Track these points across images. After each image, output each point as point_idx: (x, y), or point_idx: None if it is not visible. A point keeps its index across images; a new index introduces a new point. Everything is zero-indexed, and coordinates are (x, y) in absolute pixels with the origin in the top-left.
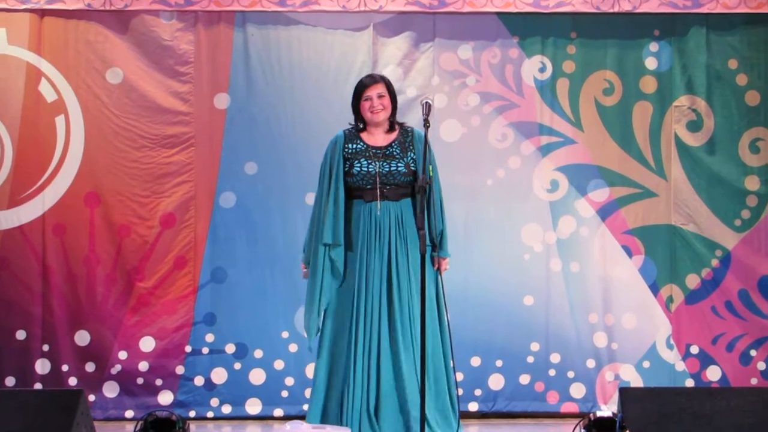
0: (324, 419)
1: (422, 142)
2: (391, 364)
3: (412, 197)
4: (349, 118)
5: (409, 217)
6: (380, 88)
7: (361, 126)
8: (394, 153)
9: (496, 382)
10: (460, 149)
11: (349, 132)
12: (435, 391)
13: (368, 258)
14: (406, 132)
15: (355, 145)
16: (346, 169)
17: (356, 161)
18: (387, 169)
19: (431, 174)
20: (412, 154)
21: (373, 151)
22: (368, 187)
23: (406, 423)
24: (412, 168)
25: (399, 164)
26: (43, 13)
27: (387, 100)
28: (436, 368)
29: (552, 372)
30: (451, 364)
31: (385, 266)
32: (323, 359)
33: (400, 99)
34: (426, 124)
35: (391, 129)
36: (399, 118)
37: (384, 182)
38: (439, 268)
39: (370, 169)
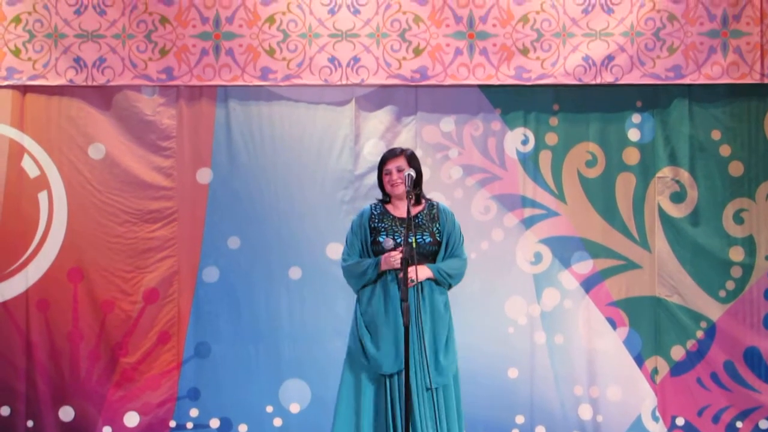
0: None
1: (448, 216)
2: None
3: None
4: (331, 192)
5: (431, 285)
6: (400, 161)
7: (387, 199)
8: (422, 224)
9: None
10: None
11: (375, 205)
12: None
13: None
14: (432, 205)
15: (381, 216)
16: (372, 239)
17: (383, 232)
18: (412, 239)
19: (414, 246)
20: (438, 225)
21: (398, 221)
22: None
23: None
24: (438, 239)
25: (425, 235)
26: (25, 89)
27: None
28: None
29: None
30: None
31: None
32: (344, 420)
33: None
34: (409, 196)
35: (417, 202)
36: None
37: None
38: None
39: (398, 239)
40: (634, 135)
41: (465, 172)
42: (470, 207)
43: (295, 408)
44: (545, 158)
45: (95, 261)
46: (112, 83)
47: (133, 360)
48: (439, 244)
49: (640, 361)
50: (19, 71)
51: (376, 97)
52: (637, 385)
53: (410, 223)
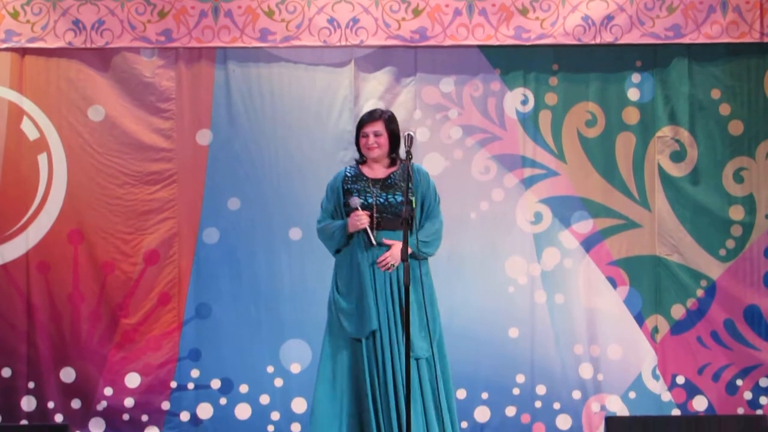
0: None
1: (422, 176)
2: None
3: (410, 230)
4: (332, 153)
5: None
6: (378, 126)
7: (363, 160)
8: (393, 183)
9: (482, 414)
10: (443, 183)
11: (350, 168)
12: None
13: (371, 288)
14: (406, 167)
15: (354, 178)
16: (345, 201)
17: (355, 193)
18: (384, 199)
19: (414, 206)
20: (410, 185)
21: (372, 182)
22: None
23: None
24: (410, 197)
25: (396, 194)
26: (24, 51)
27: (383, 139)
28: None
29: (538, 404)
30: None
31: (388, 298)
32: (323, 383)
33: None
34: (408, 156)
35: (392, 164)
36: None
37: (381, 212)
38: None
39: (368, 199)
40: (633, 94)
41: (465, 132)
42: (470, 167)
43: (295, 368)
44: (545, 118)
45: (95, 223)
46: (111, 45)
47: (134, 321)
48: (412, 203)
49: (640, 320)
50: (18, 34)
51: (376, 58)
52: (638, 344)
53: (408, 181)
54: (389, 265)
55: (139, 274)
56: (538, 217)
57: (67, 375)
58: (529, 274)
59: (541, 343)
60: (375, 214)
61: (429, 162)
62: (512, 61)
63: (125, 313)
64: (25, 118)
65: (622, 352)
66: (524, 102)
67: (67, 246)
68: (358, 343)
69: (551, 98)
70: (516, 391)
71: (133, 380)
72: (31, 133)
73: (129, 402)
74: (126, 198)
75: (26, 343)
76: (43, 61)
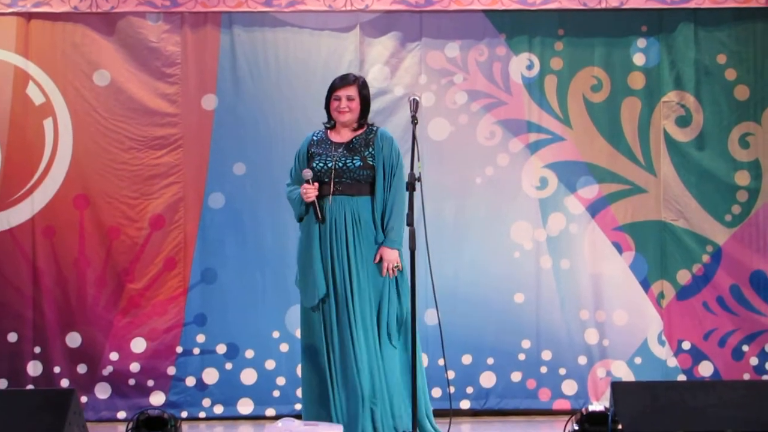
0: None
1: (385, 141)
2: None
3: (372, 195)
4: None
5: (366, 216)
6: (351, 91)
7: (332, 124)
8: (353, 148)
9: (487, 379)
10: (448, 148)
11: (317, 132)
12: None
13: (330, 256)
14: (371, 130)
15: (319, 142)
16: (311, 165)
17: (317, 157)
18: (343, 163)
19: (420, 170)
20: (371, 149)
21: (335, 146)
22: (325, 180)
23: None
24: (370, 163)
25: (355, 158)
26: (29, 16)
27: (356, 104)
28: (389, 381)
29: (543, 369)
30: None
31: (345, 266)
32: (303, 357)
33: (387, 98)
34: (414, 120)
35: (359, 128)
36: (386, 116)
37: (339, 176)
38: (388, 266)
39: (328, 163)
40: (639, 59)
41: (470, 97)
42: (475, 132)
43: None
44: (550, 83)
45: (101, 188)
46: (116, 10)
47: (140, 286)
48: (373, 168)
49: (646, 285)
50: None
51: (381, 23)
52: (644, 310)
53: (414, 146)
54: (392, 268)
55: (145, 239)
56: (543, 183)
57: (73, 340)
58: (535, 239)
59: (547, 309)
60: (334, 179)
61: (434, 127)
62: (517, 26)
63: (131, 278)
64: (30, 82)
65: (627, 317)
66: (530, 67)
67: (73, 211)
68: (318, 306)
69: (557, 63)
70: (521, 357)
71: (138, 345)
72: (37, 98)
73: (135, 367)
74: (131, 163)
75: (32, 308)
76: (49, 25)
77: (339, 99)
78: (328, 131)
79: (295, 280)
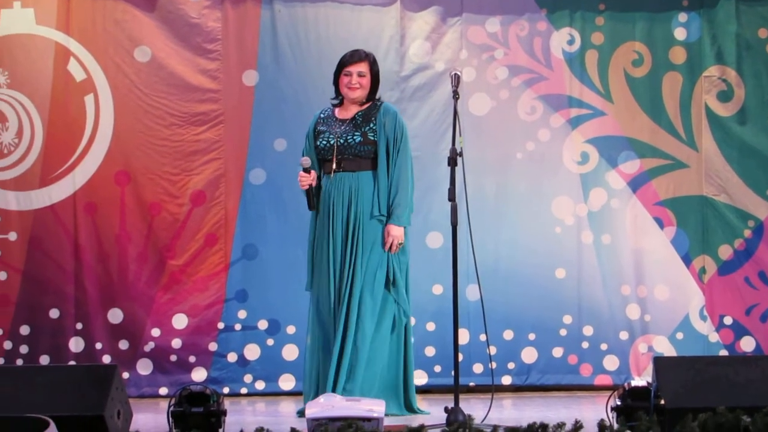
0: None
1: (388, 115)
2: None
3: (374, 170)
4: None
5: (367, 191)
6: (362, 67)
7: (339, 101)
8: (355, 123)
9: (529, 355)
10: (489, 123)
11: (325, 109)
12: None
13: (329, 232)
14: (375, 105)
15: (325, 119)
16: (316, 143)
17: (321, 134)
18: (344, 140)
19: (462, 145)
20: (372, 125)
21: (339, 122)
22: (328, 158)
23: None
24: (371, 138)
25: (356, 134)
26: None
27: (366, 80)
28: (374, 352)
29: (585, 345)
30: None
31: (342, 243)
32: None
33: (428, 73)
34: (455, 95)
35: (364, 104)
36: (427, 91)
37: (341, 153)
38: (392, 242)
39: (330, 140)
40: (680, 34)
41: (511, 72)
42: (516, 107)
43: None
44: (591, 58)
45: (142, 164)
46: None
47: (181, 262)
48: (374, 143)
49: (687, 260)
50: None
51: None
52: (685, 285)
53: (456, 121)
54: (396, 245)
55: (186, 215)
56: (584, 158)
57: (115, 316)
58: (576, 214)
59: (588, 284)
60: (336, 156)
61: (475, 102)
62: (559, 1)
63: (172, 254)
64: (71, 59)
65: (669, 292)
66: (570, 42)
67: (114, 187)
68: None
69: (597, 38)
70: (563, 332)
71: (180, 321)
72: (78, 74)
73: (176, 343)
74: (172, 139)
75: (74, 284)
76: (90, 2)
77: (350, 75)
78: (335, 108)
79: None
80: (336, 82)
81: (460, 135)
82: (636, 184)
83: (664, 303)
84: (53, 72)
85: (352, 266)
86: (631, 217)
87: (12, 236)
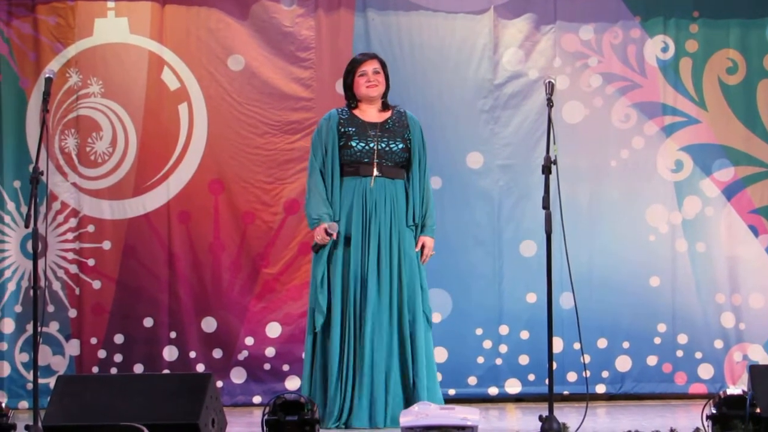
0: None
1: (416, 125)
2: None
3: (406, 179)
4: (471, 102)
5: (401, 199)
6: (375, 64)
7: (354, 104)
8: (392, 130)
9: (623, 363)
10: (583, 131)
11: (341, 110)
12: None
13: (362, 234)
14: (400, 113)
15: (349, 121)
16: (341, 144)
17: (354, 136)
18: (385, 145)
19: (556, 153)
20: (407, 134)
21: (369, 126)
22: (365, 161)
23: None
24: (409, 146)
25: (397, 140)
26: (164, 1)
27: (382, 77)
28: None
29: (679, 353)
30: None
31: (375, 245)
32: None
33: (521, 81)
34: (549, 103)
35: (385, 108)
36: (521, 99)
37: (381, 157)
38: (422, 251)
39: (369, 143)
40: None
41: (604, 80)
42: (610, 115)
43: (436, 317)
44: (685, 65)
45: (235, 172)
46: None
47: (275, 271)
48: (410, 152)
49: None
50: None
51: (515, 5)
52: None
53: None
54: (429, 255)
55: (280, 223)
56: (678, 165)
57: (209, 325)
58: (670, 222)
59: (683, 292)
60: (375, 160)
61: (569, 110)
62: (652, 8)
63: (266, 262)
64: (165, 68)
65: (764, 301)
66: (664, 49)
67: (208, 196)
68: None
69: (692, 45)
70: (657, 341)
71: (274, 330)
72: (172, 83)
73: (270, 351)
74: (266, 147)
75: (168, 293)
76: (184, 10)
77: (365, 74)
78: (353, 111)
79: None
80: (349, 86)
81: (554, 143)
82: (730, 191)
83: (759, 311)
84: (147, 81)
85: (398, 274)
86: (726, 225)
87: (106, 245)
